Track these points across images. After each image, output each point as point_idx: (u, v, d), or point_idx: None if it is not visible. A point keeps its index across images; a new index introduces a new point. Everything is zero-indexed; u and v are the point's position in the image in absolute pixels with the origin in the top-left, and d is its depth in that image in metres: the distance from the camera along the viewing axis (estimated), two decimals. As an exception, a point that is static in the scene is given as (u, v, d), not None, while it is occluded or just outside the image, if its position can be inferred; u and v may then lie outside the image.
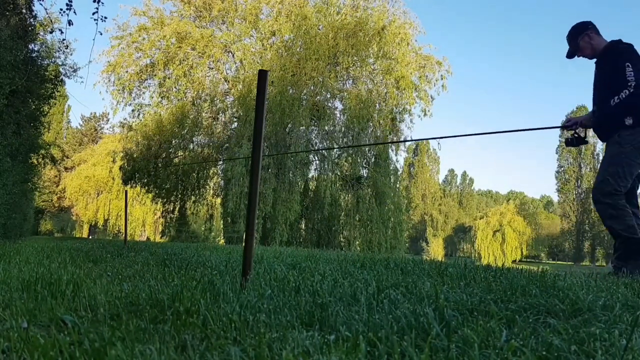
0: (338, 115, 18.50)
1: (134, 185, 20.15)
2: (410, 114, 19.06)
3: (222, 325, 1.48)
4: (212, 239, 29.55)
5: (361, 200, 18.36)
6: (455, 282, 2.41)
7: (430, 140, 57.00)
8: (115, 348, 1.20)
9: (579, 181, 54.43)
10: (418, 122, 34.99)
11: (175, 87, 18.33)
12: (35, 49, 10.42)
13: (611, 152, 3.67)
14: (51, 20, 9.41)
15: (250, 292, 2.09)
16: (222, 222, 21.44)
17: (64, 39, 9.69)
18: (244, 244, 2.48)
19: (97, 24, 6.61)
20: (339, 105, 18.67)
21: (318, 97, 17.57)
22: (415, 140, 36.86)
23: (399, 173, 21.25)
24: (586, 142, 3.90)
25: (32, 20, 9.52)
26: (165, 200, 20.23)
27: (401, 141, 18.74)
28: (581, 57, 4.00)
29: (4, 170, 8.02)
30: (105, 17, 6.83)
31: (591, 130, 4.03)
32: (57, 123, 36.30)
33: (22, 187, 11.62)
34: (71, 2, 6.77)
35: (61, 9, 7.11)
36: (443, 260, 4.35)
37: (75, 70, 12.03)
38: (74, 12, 6.85)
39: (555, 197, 65.61)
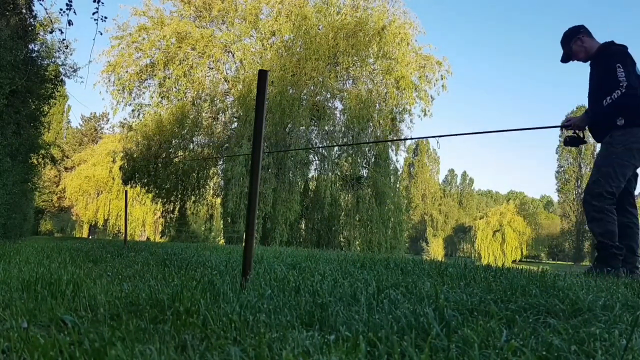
0: (338, 115, 18.51)
1: (134, 185, 20.15)
2: (410, 114, 19.08)
3: (222, 325, 1.48)
4: (212, 239, 29.55)
5: (361, 200, 18.36)
6: (455, 282, 2.41)
7: (430, 141, 57.07)
8: (115, 348, 1.20)
9: (579, 181, 54.42)
10: (418, 122, 34.96)
11: (175, 87, 18.33)
12: (35, 49, 10.43)
13: (603, 152, 3.70)
14: (51, 20, 9.41)
15: (250, 292, 2.09)
16: (222, 222, 21.44)
17: (64, 39, 9.69)
18: (244, 244, 2.48)
19: (97, 24, 6.62)
20: (339, 105, 18.69)
21: (318, 97, 17.57)
22: (414, 138, 36.87)
23: (399, 173, 21.24)
24: (585, 142, 3.92)
25: (32, 20, 9.52)
26: (165, 200, 20.23)
27: (401, 139, 18.73)
28: (576, 61, 4.04)
29: (4, 170, 8.02)
30: (105, 17, 6.85)
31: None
32: (57, 123, 36.30)
33: (22, 187, 11.62)
34: (71, 2, 6.78)
35: (61, 9, 7.12)
36: (443, 260, 4.35)
37: (75, 70, 12.04)
38: (74, 12, 6.86)
39: (555, 197, 65.71)
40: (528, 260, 58.33)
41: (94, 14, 6.57)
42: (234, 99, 18.44)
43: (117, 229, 39.14)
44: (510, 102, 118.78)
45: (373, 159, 18.94)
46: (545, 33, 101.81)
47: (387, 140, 18.05)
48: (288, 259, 3.98)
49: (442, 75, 19.05)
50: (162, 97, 19.05)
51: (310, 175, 19.26)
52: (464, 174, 78.32)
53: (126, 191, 12.09)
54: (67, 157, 39.78)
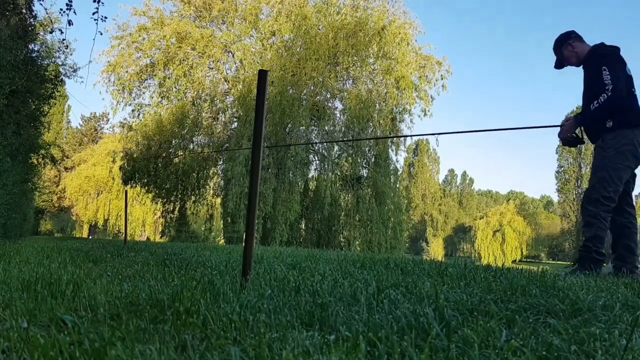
0: (338, 115, 18.51)
1: (134, 185, 20.15)
2: (410, 114, 19.08)
3: (222, 325, 1.48)
4: (212, 239, 29.54)
5: (361, 200, 18.36)
6: (455, 282, 2.41)
7: (430, 141, 57.07)
8: (115, 348, 1.20)
9: (579, 181, 54.38)
10: (418, 122, 34.89)
11: (175, 87, 18.33)
12: (35, 49, 10.43)
13: (597, 157, 3.74)
14: (51, 20, 9.42)
15: (250, 292, 2.09)
16: (222, 222, 21.44)
17: (64, 39, 9.70)
18: (244, 244, 2.48)
19: (97, 24, 6.62)
20: (339, 105, 18.69)
21: (318, 97, 17.57)
22: (413, 135, 36.76)
23: (399, 173, 21.24)
24: (583, 142, 3.94)
25: (32, 20, 9.52)
26: (165, 200, 20.23)
27: (400, 136, 18.69)
28: (570, 67, 4.08)
29: (4, 170, 8.01)
30: (105, 17, 6.85)
31: None
32: (57, 123, 36.30)
33: (22, 187, 11.62)
34: (71, 2, 6.78)
35: (61, 9, 7.12)
36: (443, 260, 4.35)
37: (75, 70, 12.04)
38: (74, 12, 6.86)
39: (555, 197, 65.65)
40: (528, 260, 58.33)
41: (94, 14, 6.57)
42: (234, 99, 18.44)
43: (117, 229, 39.15)
44: (510, 102, 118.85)
45: (373, 159, 18.94)
46: (545, 33, 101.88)
47: (386, 137, 18.02)
48: (288, 259, 3.98)
49: (442, 75, 19.07)
50: (162, 97, 19.06)
51: (310, 175, 19.29)
52: (464, 174, 78.39)
53: (126, 191, 12.09)
54: (67, 157, 39.79)
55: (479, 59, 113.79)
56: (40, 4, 13.48)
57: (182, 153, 19.09)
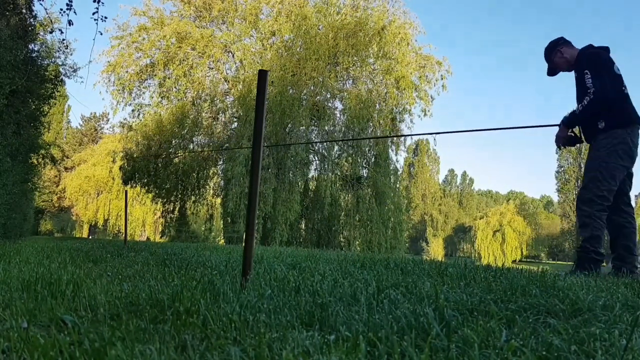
0: (338, 115, 18.51)
1: (134, 185, 20.15)
2: (410, 114, 19.08)
3: (222, 325, 1.48)
4: (212, 239, 29.54)
5: (361, 200, 18.36)
6: (455, 282, 2.41)
7: (430, 141, 57.06)
8: (115, 348, 1.20)
9: (579, 181, 54.30)
10: (418, 122, 34.79)
11: (175, 87, 18.33)
12: (35, 49, 10.43)
13: (589, 157, 3.76)
14: (51, 20, 9.42)
15: (250, 292, 2.09)
16: (222, 222, 21.44)
17: (64, 39, 9.71)
18: (244, 244, 2.48)
19: (97, 24, 6.62)
20: (339, 105, 18.69)
21: (318, 97, 17.57)
22: (413, 135, 36.70)
23: (399, 173, 21.24)
24: (581, 142, 3.95)
25: (32, 20, 9.52)
26: (165, 200, 20.23)
27: (400, 135, 18.69)
28: (563, 73, 4.13)
29: (4, 170, 8.01)
30: (105, 17, 6.85)
31: None
32: (57, 123, 36.31)
33: (22, 187, 11.61)
34: (71, 2, 6.78)
35: (61, 9, 7.12)
36: (443, 260, 4.35)
37: (75, 70, 12.04)
38: (74, 12, 6.86)
39: (555, 197, 65.67)
40: (528, 260, 58.33)
41: (94, 14, 6.57)
42: (234, 99, 18.44)
43: (117, 229, 39.15)
44: (510, 102, 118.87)
45: (373, 159, 18.94)
46: (545, 32, 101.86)
47: (386, 137, 18.03)
48: (288, 259, 3.98)
49: (442, 75, 19.07)
50: (162, 97, 19.06)
51: (310, 175, 19.28)
52: (464, 174, 78.38)
53: (126, 191, 12.10)
54: (67, 157, 39.79)
55: (479, 59, 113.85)
56: (40, 4, 13.50)
57: (182, 153, 19.09)
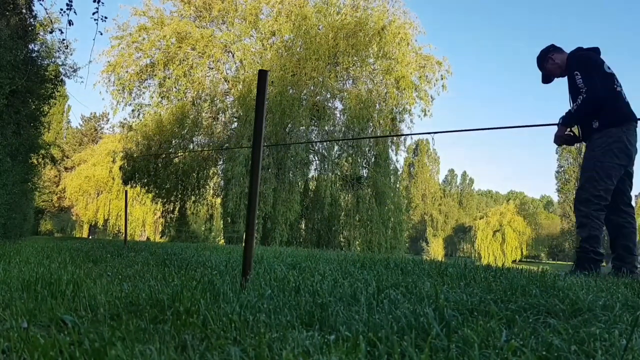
0: (338, 115, 18.51)
1: (134, 185, 20.15)
2: (410, 114, 19.07)
3: (222, 325, 1.48)
4: (212, 239, 29.53)
5: (361, 200, 18.36)
6: (455, 282, 2.41)
7: (430, 141, 56.98)
8: (115, 348, 1.20)
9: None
10: (418, 122, 34.77)
11: (175, 87, 18.33)
12: (35, 49, 10.42)
13: (585, 157, 3.78)
14: (51, 20, 9.41)
15: (250, 292, 2.09)
16: (222, 222, 21.44)
17: (64, 39, 9.69)
18: (244, 244, 2.48)
19: (97, 24, 6.62)
20: (339, 105, 18.69)
21: (318, 97, 17.57)
22: (413, 134, 36.71)
23: (399, 173, 21.23)
24: (580, 141, 3.96)
25: (32, 20, 9.52)
26: (165, 200, 20.22)
27: (400, 135, 18.69)
28: (558, 79, 4.17)
29: (4, 170, 8.01)
30: (105, 17, 6.85)
31: None
32: (57, 123, 36.32)
33: (22, 187, 11.61)
34: (71, 2, 6.78)
35: (61, 9, 7.12)
36: (443, 260, 4.35)
37: (75, 70, 12.03)
38: (74, 12, 6.86)
39: (555, 197, 65.73)
40: (528, 260, 58.33)
41: (94, 14, 6.57)
42: (234, 99, 18.43)
43: (117, 229, 39.14)
44: (510, 102, 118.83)
45: (373, 159, 18.94)
46: (545, 32, 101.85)
47: (386, 136, 18.03)
48: (288, 259, 3.98)
49: (442, 75, 19.06)
50: (162, 97, 19.06)
51: (310, 175, 19.28)
52: (464, 174, 78.38)
53: (126, 191, 12.10)
54: (67, 157, 39.79)
55: (479, 59, 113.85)
56: (40, 4, 13.50)
57: (182, 153, 19.09)
